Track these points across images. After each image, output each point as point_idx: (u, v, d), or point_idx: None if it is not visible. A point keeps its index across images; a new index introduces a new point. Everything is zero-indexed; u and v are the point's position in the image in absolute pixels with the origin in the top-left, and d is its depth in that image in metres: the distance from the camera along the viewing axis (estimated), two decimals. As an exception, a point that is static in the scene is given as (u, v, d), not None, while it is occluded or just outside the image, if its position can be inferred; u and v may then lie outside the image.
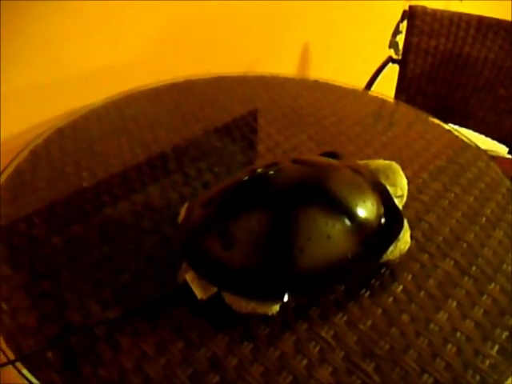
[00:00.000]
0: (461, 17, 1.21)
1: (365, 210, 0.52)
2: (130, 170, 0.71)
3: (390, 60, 1.32)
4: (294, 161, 0.57)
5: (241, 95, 0.93)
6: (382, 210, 0.54)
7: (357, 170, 0.57)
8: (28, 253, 0.57)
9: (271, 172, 0.53)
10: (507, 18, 1.21)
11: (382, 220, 0.54)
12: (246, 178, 0.53)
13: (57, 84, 0.88)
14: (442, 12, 1.23)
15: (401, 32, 1.64)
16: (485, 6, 2.10)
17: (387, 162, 0.63)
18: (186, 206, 0.58)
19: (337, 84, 0.99)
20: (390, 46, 1.69)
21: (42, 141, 0.77)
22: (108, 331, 0.48)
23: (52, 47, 0.85)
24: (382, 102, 0.95)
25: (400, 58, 1.33)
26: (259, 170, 0.54)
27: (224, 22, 1.14)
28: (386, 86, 1.31)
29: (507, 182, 0.74)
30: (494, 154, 1.22)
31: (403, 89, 1.33)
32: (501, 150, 1.27)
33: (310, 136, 0.81)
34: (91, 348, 0.47)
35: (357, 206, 0.52)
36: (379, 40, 1.69)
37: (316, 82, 1.00)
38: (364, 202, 0.53)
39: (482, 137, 1.30)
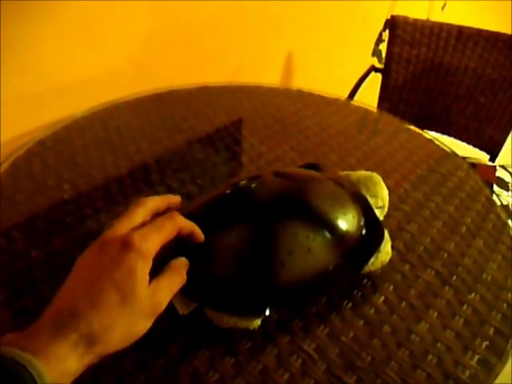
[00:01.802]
0: (441, 27, 1.23)
1: (346, 223, 0.53)
2: (112, 182, 0.71)
3: (373, 69, 1.33)
4: (276, 174, 0.57)
5: (224, 105, 0.93)
6: (363, 221, 0.55)
7: (338, 182, 0.58)
8: (7, 268, 0.56)
9: (252, 186, 0.53)
10: (489, 26, 1.23)
11: (363, 232, 0.54)
12: (227, 191, 0.53)
13: (38, 95, 0.87)
14: (423, 22, 1.25)
15: (384, 40, 1.67)
16: (466, 15, 2.13)
17: (368, 173, 0.63)
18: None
19: (320, 94, 1.00)
20: (373, 54, 1.71)
21: (23, 153, 0.76)
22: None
23: (33, 58, 0.84)
24: (365, 112, 0.96)
25: (383, 66, 1.35)
26: (240, 184, 0.54)
27: (207, 31, 1.14)
28: (370, 95, 1.33)
29: (487, 191, 0.75)
30: (475, 161, 1.25)
31: (386, 97, 1.34)
32: (482, 157, 1.29)
33: (292, 146, 0.82)
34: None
35: (337, 218, 0.52)
36: (362, 49, 1.71)
37: (299, 91, 1.01)
38: (345, 214, 0.53)
39: (464, 144, 1.32)
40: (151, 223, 0.40)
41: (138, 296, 0.36)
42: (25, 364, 0.31)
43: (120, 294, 0.36)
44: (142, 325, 0.38)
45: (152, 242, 0.38)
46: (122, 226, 0.40)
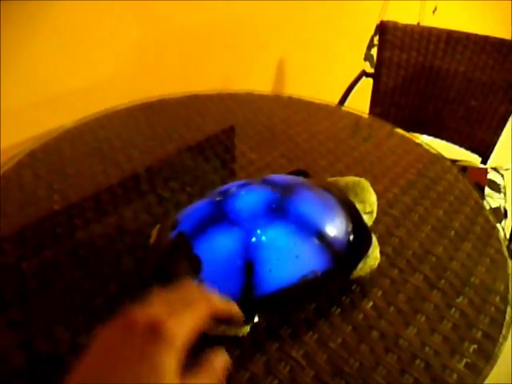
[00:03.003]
0: (431, 31, 1.24)
1: (333, 229, 0.53)
2: (102, 193, 0.71)
3: (364, 74, 1.34)
4: (264, 181, 0.58)
5: (215, 113, 0.94)
6: (351, 227, 0.55)
7: (326, 188, 0.58)
8: (-3, 280, 0.56)
9: (240, 193, 0.54)
10: (480, 28, 1.24)
11: (351, 237, 0.54)
12: (215, 199, 0.53)
13: (29, 106, 0.88)
14: (413, 26, 1.26)
15: (375, 45, 1.68)
16: (457, 17, 2.15)
17: (356, 178, 0.64)
18: (157, 228, 0.58)
19: (310, 100, 1.00)
20: (365, 59, 1.73)
21: (13, 164, 0.76)
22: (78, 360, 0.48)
23: (22, 70, 0.85)
24: (355, 117, 0.97)
25: (373, 71, 1.35)
26: (228, 192, 0.54)
27: (197, 40, 1.15)
28: (361, 100, 1.33)
29: (475, 194, 0.75)
30: (467, 163, 1.25)
31: (377, 102, 1.35)
32: (474, 159, 1.30)
33: (282, 153, 0.82)
34: (60, 378, 0.46)
35: (325, 224, 0.52)
36: (353, 55, 1.72)
37: (289, 98, 1.01)
38: (332, 220, 0.54)
39: (456, 147, 1.33)
40: (178, 298, 0.32)
41: None
42: None
43: None
44: None
45: (185, 325, 0.30)
46: (156, 308, 0.31)
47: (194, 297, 0.32)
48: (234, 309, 0.36)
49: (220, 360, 0.33)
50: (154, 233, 0.58)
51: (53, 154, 0.79)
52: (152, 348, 0.28)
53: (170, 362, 0.28)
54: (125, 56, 1.01)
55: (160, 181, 0.74)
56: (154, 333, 0.29)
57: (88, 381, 0.29)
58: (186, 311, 0.31)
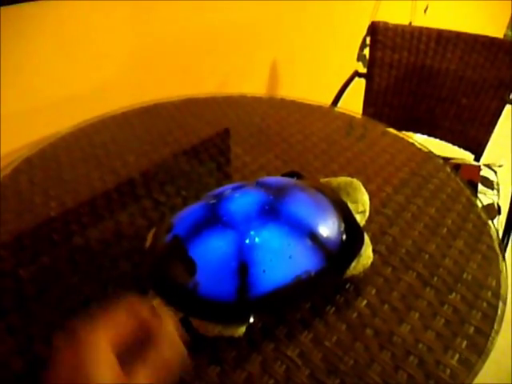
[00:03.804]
0: (421, 31, 1.25)
1: (326, 229, 0.54)
2: (98, 198, 0.72)
3: (357, 74, 1.35)
4: (257, 183, 0.59)
5: (209, 116, 0.94)
6: (343, 227, 0.56)
7: (318, 189, 0.59)
8: (-5, 287, 0.57)
9: (234, 196, 0.54)
10: (471, 26, 1.25)
11: (344, 237, 0.55)
12: (209, 202, 0.54)
13: (24, 113, 0.88)
14: (403, 27, 1.27)
15: (368, 45, 1.69)
16: (449, 16, 2.17)
17: (348, 179, 0.64)
18: (152, 231, 0.59)
19: (303, 101, 1.01)
20: (358, 59, 1.74)
21: (9, 171, 0.77)
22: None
23: (17, 76, 0.85)
24: (348, 118, 0.98)
25: (366, 71, 1.37)
26: (222, 195, 0.55)
27: (191, 44, 1.16)
28: (355, 100, 1.34)
29: (467, 192, 0.76)
30: (460, 161, 1.26)
31: (370, 102, 1.36)
32: (467, 157, 1.31)
33: (276, 155, 0.83)
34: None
35: (318, 225, 0.53)
36: (346, 55, 1.74)
37: (283, 100, 1.02)
38: (325, 220, 0.54)
39: (449, 145, 1.34)
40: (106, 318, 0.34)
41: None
42: None
43: None
44: None
45: (100, 334, 0.33)
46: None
47: (118, 310, 0.35)
48: (164, 323, 0.35)
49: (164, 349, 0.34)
50: (150, 237, 0.59)
51: (49, 161, 0.80)
52: (77, 356, 0.31)
53: (91, 358, 0.31)
54: (119, 61, 1.01)
55: (156, 185, 0.75)
56: (77, 342, 0.32)
57: None
58: (102, 321, 0.34)
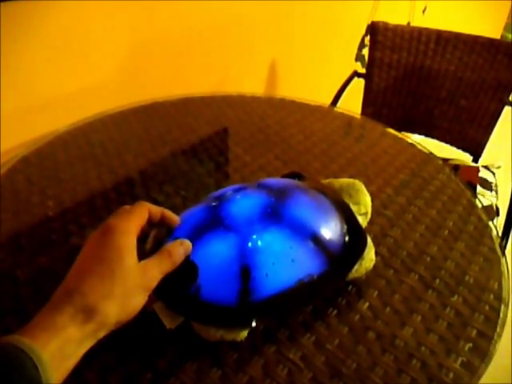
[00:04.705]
0: (421, 31, 1.25)
1: (328, 231, 0.53)
2: (96, 198, 0.71)
3: (355, 74, 1.35)
4: (259, 185, 0.58)
5: (208, 116, 0.94)
6: (346, 229, 0.55)
7: (320, 191, 0.59)
8: (-8, 288, 0.56)
9: (235, 198, 0.54)
10: (470, 27, 1.25)
11: (346, 239, 0.55)
12: (210, 205, 0.54)
13: (21, 111, 0.87)
14: (403, 27, 1.27)
15: (366, 45, 1.69)
16: (447, 16, 2.17)
17: (350, 180, 0.64)
18: (153, 233, 0.58)
19: (303, 101, 1.01)
20: (356, 59, 1.74)
21: (6, 170, 0.76)
22: (75, 367, 0.48)
23: (14, 75, 0.84)
24: (348, 118, 0.97)
25: (365, 71, 1.36)
26: (223, 197, 0.55)
27: (189, 43, 1.15)
28: (354, 100, 1.34)
29: (468, 193, 0.76)
30: (458, 162, 1.26)
31: (369, 102, 1.36)
32: (465, 158, 1.31)
33: (276, 155, 0.83)
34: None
35: (320, 227, 0.53)
36: (345, 56, 1.73)
37: (282, 100, 1.02)
38: (327, 222, 0.54)
39: (448, 146, 1.34)
40: (122, 210, 0.46)
41: (127, 266, 0.40)
42: (20, 346, 0.33)
43: (108, 266, 0.40)
44: (137, 298, 0.41)
45: (128, 221, 0.43)
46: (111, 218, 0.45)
47: (134, 206, 0.47)
48: (166, 211, 0.50)
49: (172, 245, 0.47)
50: (150, 239, 0.58)
51: (46, 160, 0.79)
52: (108, 238, 0.41)
53: (124, 241, 0.41)
54: (117, 60, 1.01)
55: (154, 184, 0.74)
56: (107, 229, 0.42)
57: (69, 276, 0.40)
58: (125, 212, 0.45)
